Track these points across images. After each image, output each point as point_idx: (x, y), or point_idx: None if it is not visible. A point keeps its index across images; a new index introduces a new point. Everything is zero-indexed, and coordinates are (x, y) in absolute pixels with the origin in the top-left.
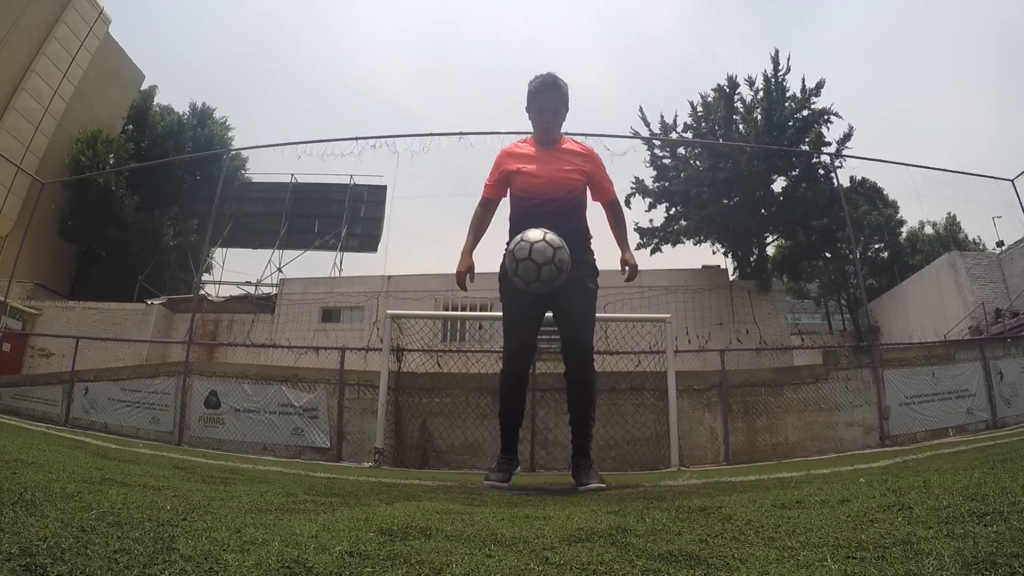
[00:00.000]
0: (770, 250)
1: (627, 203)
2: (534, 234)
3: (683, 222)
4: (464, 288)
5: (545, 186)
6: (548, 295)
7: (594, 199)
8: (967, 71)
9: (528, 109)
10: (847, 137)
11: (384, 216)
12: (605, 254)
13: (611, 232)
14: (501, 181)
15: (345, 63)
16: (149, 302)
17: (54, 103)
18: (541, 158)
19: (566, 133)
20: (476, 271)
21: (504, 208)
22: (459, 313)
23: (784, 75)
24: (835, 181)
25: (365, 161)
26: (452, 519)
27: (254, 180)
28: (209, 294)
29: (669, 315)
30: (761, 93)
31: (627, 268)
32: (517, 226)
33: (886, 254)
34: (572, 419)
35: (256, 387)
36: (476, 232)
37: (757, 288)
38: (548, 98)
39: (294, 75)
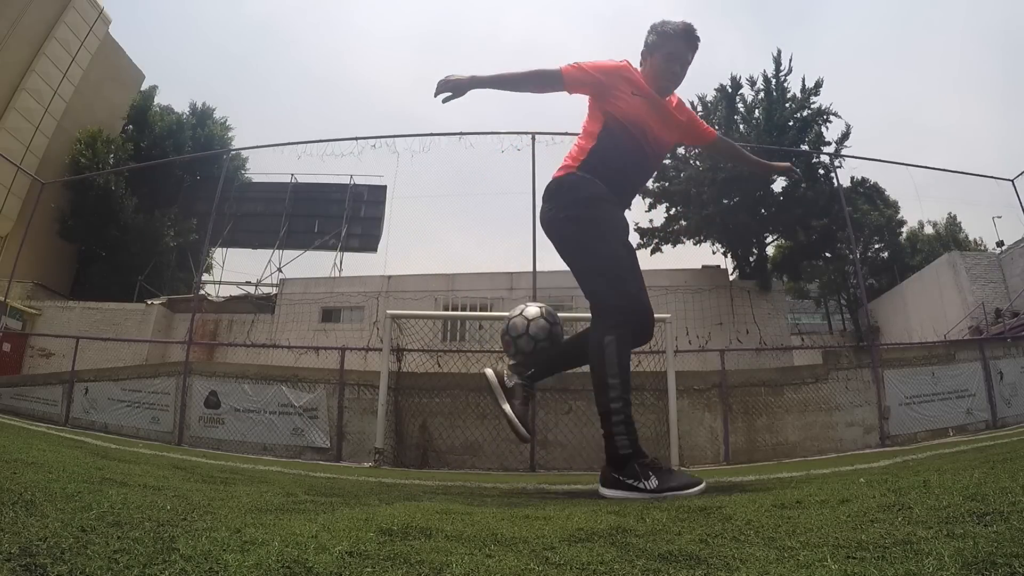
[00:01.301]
0: (770, 250)
1: None
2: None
3: (683, 222)
4: (439, 93)
5: (654, 130)
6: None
7: (698, 143)
8: (968, 71)
9: (652, 51)
10: (845, 136)
11: (384, 216)
12: None
13: (745, 167)
14: (598, 86)
15: (345, 63)
16: (149, 302)
17: (54, 103)
18: (653, 103)
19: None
20: (476, 272)
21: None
22: (459, 313)
23: (786, 75)
24: (835, 181)
25: (365, 161)
26: (452, 519)
27: (254, 180)
28: (209, 294)
29: (669, 315)
30: (762, 93)
31: (781, 167)
32: (613, 168)
33: (886, 254)
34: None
35: (256, 387)
36: (510, 74)
37: (757, 288)
38: (685, 48)
39: (294, 75)
